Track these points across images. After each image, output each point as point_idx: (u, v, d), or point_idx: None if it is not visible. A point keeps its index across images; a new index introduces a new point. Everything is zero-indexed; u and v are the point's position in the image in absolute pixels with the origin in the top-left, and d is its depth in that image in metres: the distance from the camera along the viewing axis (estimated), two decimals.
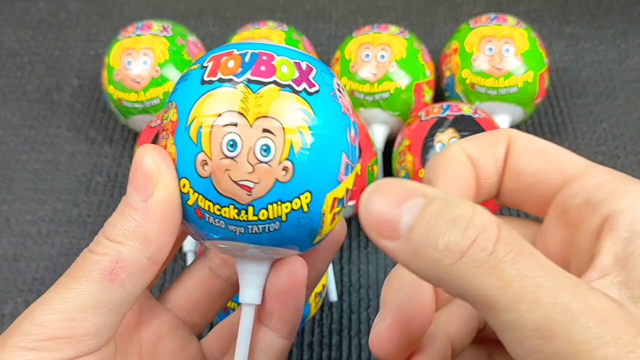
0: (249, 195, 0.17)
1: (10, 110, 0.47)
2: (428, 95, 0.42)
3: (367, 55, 0.41)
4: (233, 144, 0.17)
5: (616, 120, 0.46)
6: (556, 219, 0.19)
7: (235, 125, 0.17)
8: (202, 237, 0.19)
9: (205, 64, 0.18)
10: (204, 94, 0.18)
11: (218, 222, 0.18)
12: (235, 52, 0.18)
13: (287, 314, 0.20)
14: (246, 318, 0.20)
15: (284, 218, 0.18)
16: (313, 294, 0.32)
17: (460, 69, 0.41)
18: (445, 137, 0.36)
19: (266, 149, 0.17)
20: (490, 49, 0.40)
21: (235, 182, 0.18)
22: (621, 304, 0.15)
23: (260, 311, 0.21)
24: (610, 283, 0.16)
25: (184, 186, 0.18)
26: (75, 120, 0.46)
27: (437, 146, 0.35)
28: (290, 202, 0.18)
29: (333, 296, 0.36)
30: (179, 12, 0.55)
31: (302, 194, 0.18)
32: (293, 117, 0.17)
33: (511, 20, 0.42)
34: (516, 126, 0.45)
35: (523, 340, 0.14)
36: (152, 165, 0.17)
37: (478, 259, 0.14)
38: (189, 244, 0.36)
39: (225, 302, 0.23)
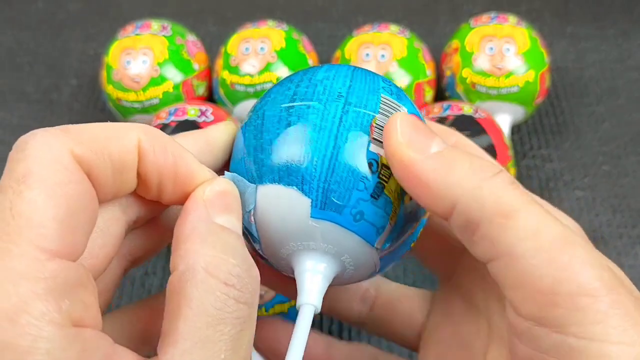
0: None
1: (9, 111, 0.47)
2: (428, 94, 0.42)
3: (368, 55, 0.40)
4: None
5: (618, 120, 0.45)
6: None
7: None
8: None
9: None
10: None
11: None
12: None
13: None
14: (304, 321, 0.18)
15: None
16: None
17: (460, 69, 0.41)
18: None
19: None
20: (491, 49, 0.40)
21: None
22: None
23: None
24: None
25: None
26: (74, 120, 0.46)
27: None
28: None
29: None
30: (178, 11, 0.55)
31: None
32: None
33: (512, 19, 0.42)
34: (517, 126, 0.44)
35: (540, 250, 0.15)
36: None
37: (505, 181, 0.16)
38: None
39: None
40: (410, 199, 0.18)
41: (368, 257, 0.19)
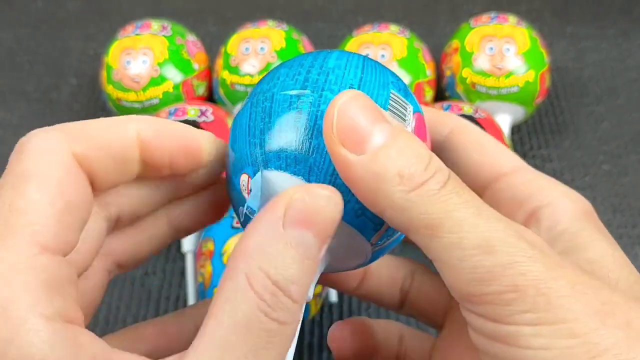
0: None
1: (8, 110, 0.47)
2: (429, 94, 0.42)
3: (368, 55, 0.40)
4: None
5: (618, 120, 0.45)
6: None
7: None
8: None
9: None
10: None
11: None
12: None
13: None
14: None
15: None
16: (313, 295, 0.32)
17: (461, 69, 0.41)
18: None
19: None
20: (491, 48, 0.40)
21: None
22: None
23: None
24: None
25: None
26: (73, 120, 0.46)
27: None
28: None
29: (333, 297, 0.36)
30: (178, 11, 0.55)
31: None
32: None
33: (512, 19, 0.42)
34: (517, 126, 0.44)
35: (464, 258, 0.15)
36: None
37: (432, 189, 0.15)
38: (188, 243, 0.36)
39: None
40: None
41: (361, 250, 0.19)
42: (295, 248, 0.15)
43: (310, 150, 0.17)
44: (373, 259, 0.19)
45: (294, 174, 0.17)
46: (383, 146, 0.15)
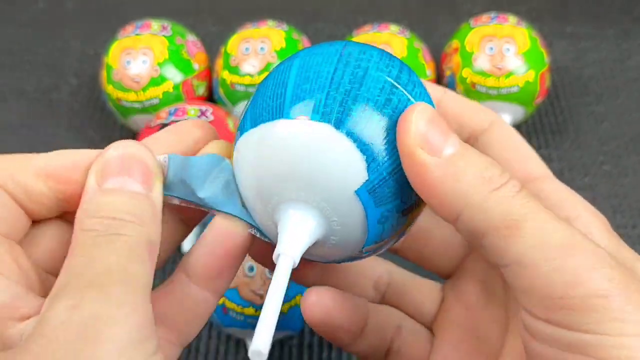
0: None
1: (8, 110, 0.47)
2: None
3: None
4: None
5: (618, 120, 0.45)
6: None
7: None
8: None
9: None
10: None
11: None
12: None
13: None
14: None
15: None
16: None
17: (460, 69, 0.41)
18: None
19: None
20: (491, 48, 0.40)
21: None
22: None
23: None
24: None
25: None
26: (73, 120, 0.46)
27: None
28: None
29: None
30: (178, 11, 0.55)
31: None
32: None
33: (512, 19, 0.42)
34: (517, 126, 0.44)
35: (549, 258, 0.15)
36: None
37: (511, 192, 0.16)
38: (188, 243, 0.36)
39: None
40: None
41: (347, 252, 0.19)
42: (113, 192, 0.17)
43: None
44: (365, 256, 0.19)
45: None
46: (459, 151, 0.16)
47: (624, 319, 0.14)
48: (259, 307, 0.29)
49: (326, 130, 0.16)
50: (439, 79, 0.45)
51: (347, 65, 0.17)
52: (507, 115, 0.41)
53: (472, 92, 0.41)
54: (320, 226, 0.17)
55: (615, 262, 0.15)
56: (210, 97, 0.44)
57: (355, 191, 0.17)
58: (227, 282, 0.19)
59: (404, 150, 0.16)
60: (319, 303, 0.22)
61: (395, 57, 0.19)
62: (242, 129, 0.18)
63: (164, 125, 0.35)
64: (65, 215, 0.19)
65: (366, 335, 0.23)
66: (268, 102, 0.17)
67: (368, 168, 0.17)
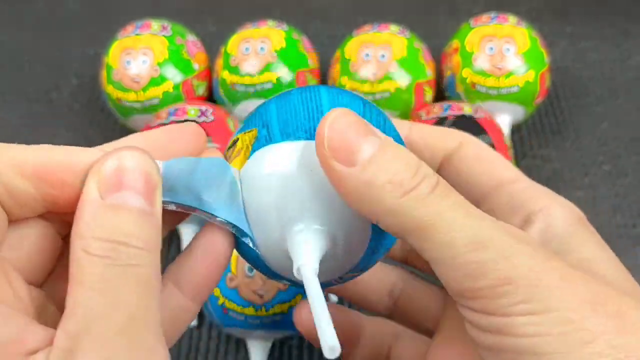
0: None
1: (8, 110, 0.47)
2: (429, 94, 0.42)
3: (368, 55, 0.40)
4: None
5: (617, 120, 0.45)
6: None
7: None
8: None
9: None
10: None
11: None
12: None
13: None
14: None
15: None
16: None
17: (461, 69, 0.41)
18: None
19: None
20: (491, 48, 0.40)
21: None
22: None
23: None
24: None
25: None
26: (73, 120, 0.46)
27: None
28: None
29: (334, 297, 0.36)
30: (178, 11, 0.55)
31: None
32: None
33: (512, 19, 0.42)
34: (517, 126, 0.44)
35: (456, 255, 0.16)
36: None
37: (422, 194, 0.16)
38: (188, 242, 0.36)
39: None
40: None
41: (343, 269, 0.20)
42: (118, 209, 0.16)
43: None
44: (362, 269, 0.20)
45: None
46: (372, 157, 0.16)
47: (529, 300, 0.16)
48: (259, 307, 0.29)
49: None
50: (439, 79, 0.45)
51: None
52: (507, 115, 0.41)
53: (472, 92, 0.41)
54: (325, 241, 0.18)
55: (529, 247, 0.16)
56: (210, 97, 0.44)
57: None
58: (210, 290, 0.20)
59: (321, 162, 0.17)
60: (308, 318, 0.23)
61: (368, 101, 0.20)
62: (265, 141, 0.18)
63: (163, 125, 0.35)
64: (46, 213, 0.18)
65: (363, 346, 0.24)
66: (302, 121, 0.18)
67: None
